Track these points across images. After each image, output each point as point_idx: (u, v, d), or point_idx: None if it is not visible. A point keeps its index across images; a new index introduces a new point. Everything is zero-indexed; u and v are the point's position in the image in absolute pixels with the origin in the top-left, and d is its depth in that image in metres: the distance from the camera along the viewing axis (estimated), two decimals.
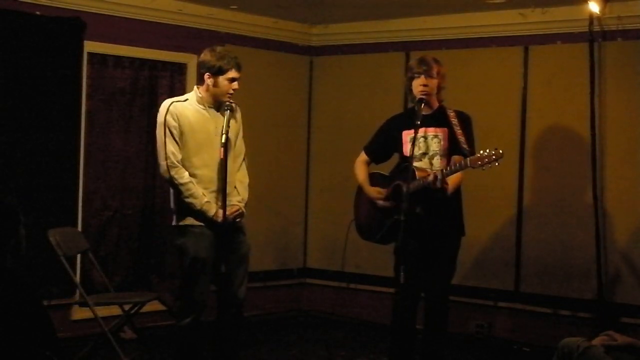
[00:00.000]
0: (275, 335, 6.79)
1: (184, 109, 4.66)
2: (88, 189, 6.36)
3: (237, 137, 4.81)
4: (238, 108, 4.85)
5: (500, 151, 4.56)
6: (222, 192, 4.58)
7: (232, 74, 4.65)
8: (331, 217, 7.24)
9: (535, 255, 6.45)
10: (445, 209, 4.86)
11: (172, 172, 4.61)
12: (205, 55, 4.70)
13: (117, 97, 6.53)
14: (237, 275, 4.74)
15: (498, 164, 4.57)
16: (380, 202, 5.01)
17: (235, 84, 4.67)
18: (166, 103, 4.71)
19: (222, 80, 4.64)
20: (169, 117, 4.62)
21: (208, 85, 4.67)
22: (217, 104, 4.70)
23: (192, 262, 4.67)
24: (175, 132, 4.61)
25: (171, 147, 4.61)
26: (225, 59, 4.64)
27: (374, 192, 5.06)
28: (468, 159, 4.62)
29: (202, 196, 4.62)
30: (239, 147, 4.84)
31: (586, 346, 3.58)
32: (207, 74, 4.66)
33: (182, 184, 4.61)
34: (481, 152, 4.58)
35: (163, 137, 4.63)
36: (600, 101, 6.16)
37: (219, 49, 4.76)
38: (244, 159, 4.87)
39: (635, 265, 6.05)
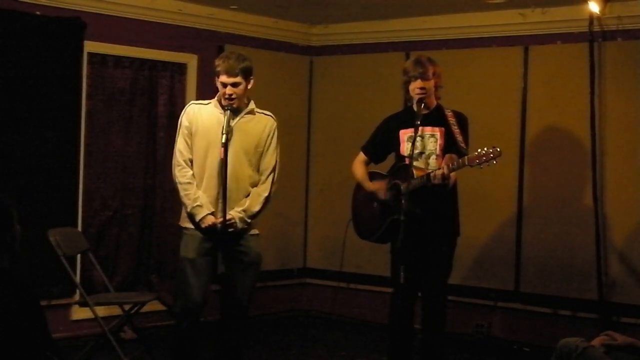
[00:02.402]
0: (275, 335, 6.79)
1: (200, 110, 4.68)
2: (88, 189, 6.36)
3: (256, 147, 4.68)
4: (269, 121, 4.73)
5: (498, 149, 4.55)
6: (222, 193, 4.53)
7: (222, 78, 4.58)
8: (331, 217, 7.23)
9: (535, 255, 6.44)
10: (442, 210, 4.86)
11: (176, 170, 4.65)
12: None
13: (117, 97, 6.53)
14: (241, 283, 4.70)
15: (496, 162, 4.57)
16: (381, 194, 4.98)
17: (228, 89, 4.56)
18: (188, 104, 4.80)
19: (218, 82, 4.64)
20: (183, 117, 4.70)
21: (217, 87, 4.68)
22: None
23: (180, 263, 4.69)
24: (186, 132, 4.66)
25: (180, 145, 4.67)
26: (219, 61, 4.61)
27: (374, 186, 5.05)
28: (466, 157, 4.62)
29: (195, 200, 4.59)
30: (268, 160, 4.71)
31: (585, 346, 3.58)
32: (215, 76, 4.67)
33: (180, 183, 4.63)
34: (479, 150, 4.57)
35: (177, 135, 4.71)
36: (600, 101, 6.16)
37: (228, 51, 4.79)
38: (271, 173, 4.74)
39: (635, 265, 6.04)
